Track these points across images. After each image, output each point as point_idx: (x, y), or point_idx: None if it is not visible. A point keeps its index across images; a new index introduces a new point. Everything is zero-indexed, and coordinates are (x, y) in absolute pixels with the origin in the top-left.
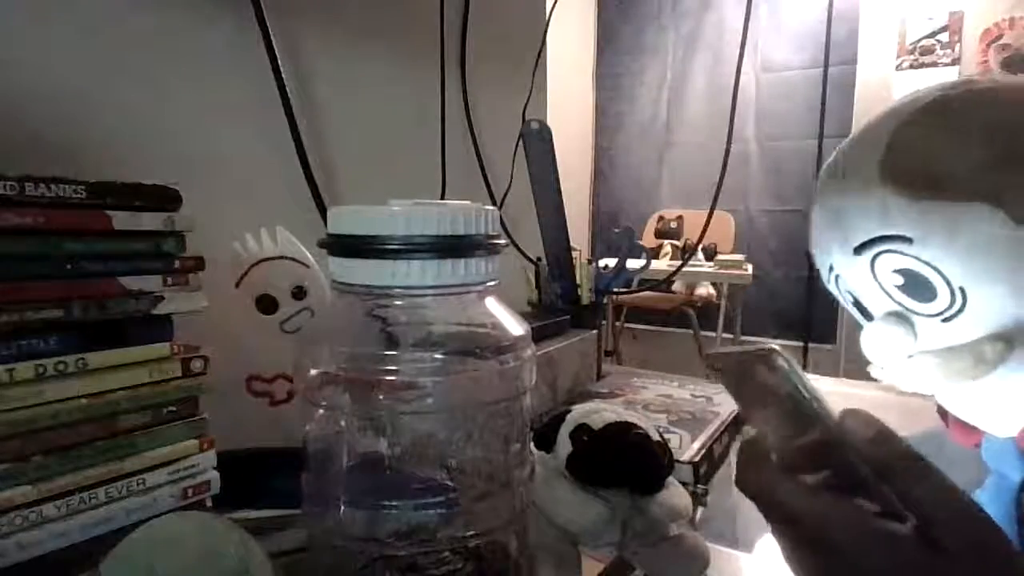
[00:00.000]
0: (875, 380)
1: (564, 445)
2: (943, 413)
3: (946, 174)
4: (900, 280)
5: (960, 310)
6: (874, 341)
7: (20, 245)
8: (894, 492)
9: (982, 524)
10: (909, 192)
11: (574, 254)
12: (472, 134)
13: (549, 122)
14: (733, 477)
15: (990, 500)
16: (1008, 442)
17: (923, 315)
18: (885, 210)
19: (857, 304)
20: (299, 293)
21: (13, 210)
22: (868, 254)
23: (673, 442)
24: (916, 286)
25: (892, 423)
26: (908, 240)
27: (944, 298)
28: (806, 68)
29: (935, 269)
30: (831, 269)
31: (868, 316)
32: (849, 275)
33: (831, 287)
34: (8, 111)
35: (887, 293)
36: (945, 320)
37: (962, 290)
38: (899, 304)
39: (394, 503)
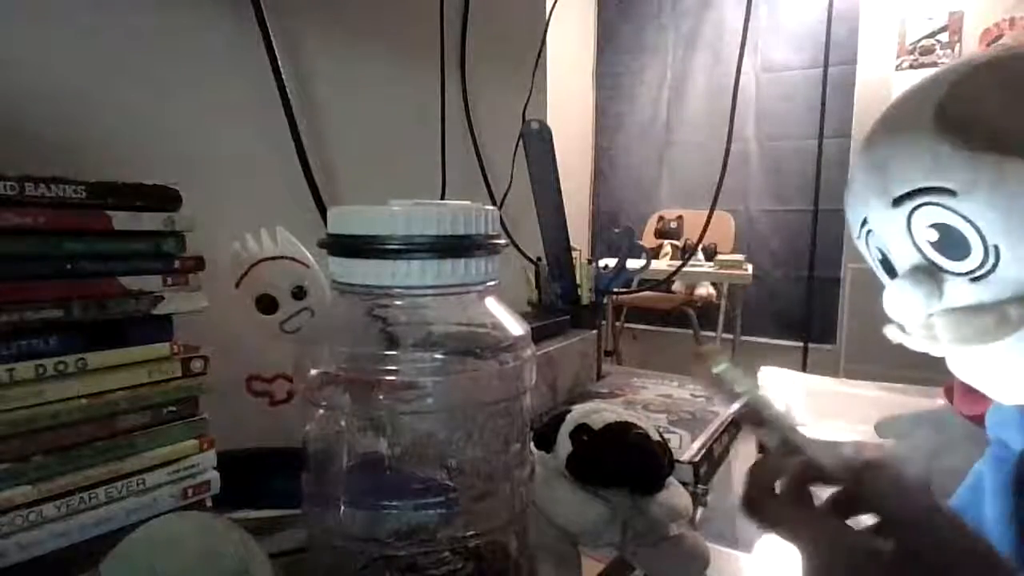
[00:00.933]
0: (875, 380)
1: (564, 445)
2: (948, 392)
3: (1000, 129)
4: (935, 236)
5: (991, 270)
6: (898, 297)
7: (20, 245)
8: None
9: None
10: (961, 143)
11: (574, 254)
12: (472, 134)
13: (549, 122)
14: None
15: (989, 470)
16: (1014, 410)
17: (954, 273)
18: (934, 159)
19: (884, 262)
20: (299, 293)
21: (13, 210)
22: (907, 206)
23: (673, 442)
24: (951, 242)
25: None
26: (951, 193)
27: (977, 256)
28: (806, 68)
29: (973, 225)
30: (864, 223)
31: (893, 275)
32: (883, 228)
33: (859, 243)
34: (8, 111)
35: (919, 249)
36: (974, 280)
37: (996, 249)
38: (931, 261)
39: (394, 503)
